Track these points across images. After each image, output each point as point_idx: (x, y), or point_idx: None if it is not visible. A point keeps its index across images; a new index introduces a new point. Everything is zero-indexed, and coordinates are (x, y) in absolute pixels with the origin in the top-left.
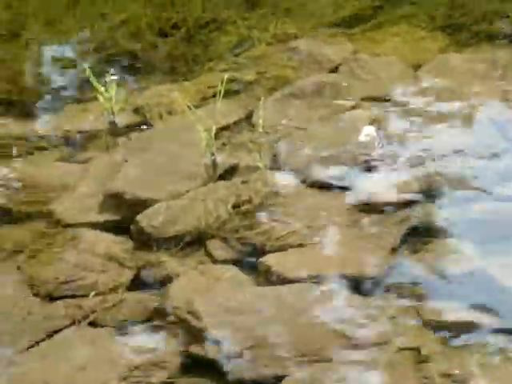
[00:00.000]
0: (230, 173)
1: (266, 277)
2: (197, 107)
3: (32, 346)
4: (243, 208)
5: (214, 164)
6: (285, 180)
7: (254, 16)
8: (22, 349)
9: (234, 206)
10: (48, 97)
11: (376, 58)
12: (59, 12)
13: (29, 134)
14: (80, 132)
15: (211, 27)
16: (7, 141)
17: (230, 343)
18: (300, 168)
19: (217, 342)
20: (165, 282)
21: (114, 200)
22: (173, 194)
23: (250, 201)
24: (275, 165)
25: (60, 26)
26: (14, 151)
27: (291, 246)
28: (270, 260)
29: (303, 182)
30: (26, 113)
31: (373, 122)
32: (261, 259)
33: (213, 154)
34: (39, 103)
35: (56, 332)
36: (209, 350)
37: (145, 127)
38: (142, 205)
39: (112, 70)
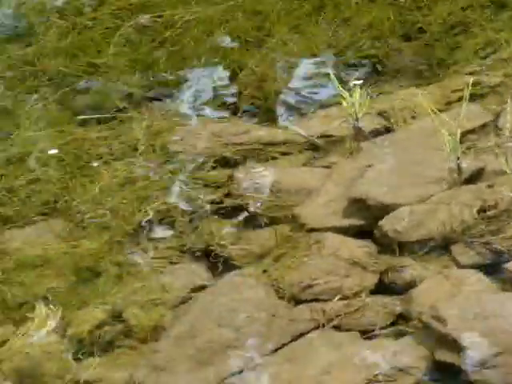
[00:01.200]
0: (475, 177)
1: None
2: (441, 111)
3: (278, 349)
4: (489, 213)
5: (459, 168)
6: None
7: (502, 18)
8: (268, 351)
9: (480, 211)
10: (292, 102)
11: None
12: (303, 17)
13: (274, 139)
14: (324, 137)
15: (457, 30)
16: (255, 146)
17: (477, 350)
18: None
19: (463, 349)
20: (408, 286)
21: (358, 205)
22: (416, 198)
23: (495, 205)
24: None
25: (304, 32)
26: (261, 156)
27: None
28: None
29: None
30: (272, 118)
31: None
32: (506, 265)
33: (458, 158)
34: (284, 109)
35: (301, 335)
36: (455, 357)
37: (389, 132)
38: (386, 209)
39: (356, 75)
